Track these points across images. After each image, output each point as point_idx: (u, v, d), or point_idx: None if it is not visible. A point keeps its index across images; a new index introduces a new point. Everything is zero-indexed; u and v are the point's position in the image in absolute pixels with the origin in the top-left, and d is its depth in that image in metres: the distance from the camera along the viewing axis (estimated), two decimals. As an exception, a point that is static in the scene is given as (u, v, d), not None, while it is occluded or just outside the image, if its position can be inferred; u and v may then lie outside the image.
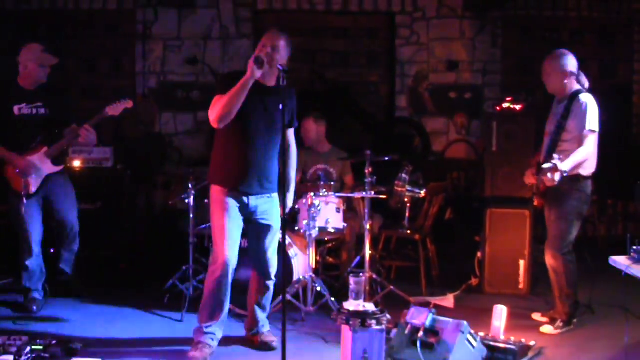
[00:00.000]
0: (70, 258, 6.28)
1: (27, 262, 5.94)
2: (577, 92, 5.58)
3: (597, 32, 9.83)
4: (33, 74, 5.89)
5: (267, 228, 5.06)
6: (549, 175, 5.17)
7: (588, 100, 5.51)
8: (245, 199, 4.91)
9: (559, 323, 5.63)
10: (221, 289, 4.90)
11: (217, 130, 4.89)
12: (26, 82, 5.92)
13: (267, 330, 5.31)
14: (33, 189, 5.88)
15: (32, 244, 5.94)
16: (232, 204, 4.90)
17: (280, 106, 4.59)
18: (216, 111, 4.70)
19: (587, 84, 5.71)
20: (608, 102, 9.54)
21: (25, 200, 5.81)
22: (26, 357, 4.56)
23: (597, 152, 5.61)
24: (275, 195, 5.06)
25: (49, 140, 5.92)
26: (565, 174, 5.24)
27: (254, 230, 5.12)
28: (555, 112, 5.72)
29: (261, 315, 5.27)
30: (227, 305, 5.02)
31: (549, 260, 5.70)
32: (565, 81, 5.62)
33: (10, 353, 4.59)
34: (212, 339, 4.94)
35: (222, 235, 4.87)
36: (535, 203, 5.87)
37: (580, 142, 5.43)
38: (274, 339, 5.20)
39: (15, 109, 5.83)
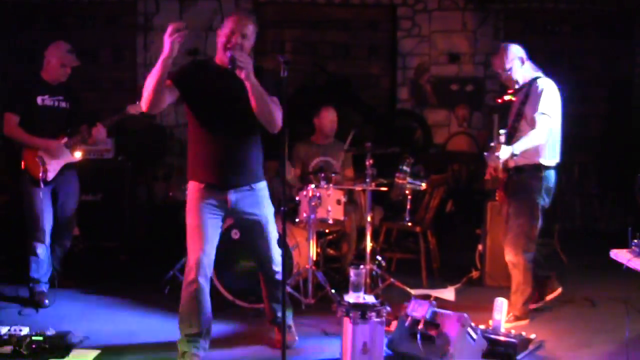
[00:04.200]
0: (61, 254, 6.30)
1: (38, 251, 5.93)
2: (536, 78, 5.48)
3: (598, 25, 9.81)
4: (54, 71, 6.02)
5: (255, 223, 4.74)
6: (496, 153, 5.11)
7: (545, 85, 5.39)
8: (222, 193, 4.60)
9: (510, 317, 5.56)
10: (199, 296, 4.57)
11: (188, 123, 4.66)
12: (48, 76, 6.04)
13: (287, 325, 4.93)
14: (51, 176, 5.95)
15: (45, 232, 5.96)
16: (207, 200, 4.58)
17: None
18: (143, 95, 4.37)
19: (537, 72, 5.57)
20: (609, 94, 9.60)
21: (42, 186, 5.87)
22: (27, 348, 4.57)
23: (562, 140, 5.52)
24: (259, 186, 4.72)
25: (69, 132, 6.03)
26: (515, 157, 5.20)
27: (243, 227, 4.94)
28: (514, 103, 5.60)
29: (276, 307, 5.04)
30: (208, 311, 4.67)
31: (509, 257, 5.54)
32: (510, 72, 5.50)
33: (11, 343, 4.60)
34: (198, 348, 4.63)
35: (193, 235, 4.57)
36: (497, 198, 5.79)
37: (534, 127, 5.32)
38: (294, 340, 5.07)
39: (39, 99, 5.95)
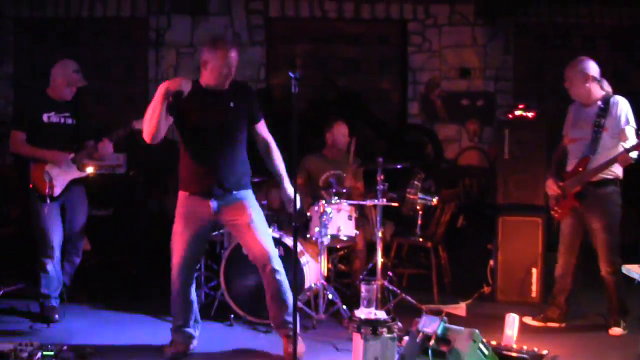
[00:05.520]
0: (71, 270, 6.31)
1: (47, 267, 5.95)
2: (609, 96, 5.69)
3: (609, 38, 9.80)
4: (59, 89, 6.06)
5: (240, 226, 5.00)
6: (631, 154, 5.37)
7: (626, 102, 5.66)
8: (208, 202, 4.93)
9: (622, 323, 5.70)
10: (178, 297, 5.10)
11: (179, 139, 5.05)
12: (54, 93, 6.07)
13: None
14: (57, 192, 5.97)
15: (54, 248, 5.98)
16: (191, 208, 4.97)
17: (232, 104, 4.84)
18: (144, 129, 4.84)
19: (609, 89, 5.74)
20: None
21: (49, 202, 5.89)
22: (38, 363, 4.58)
23: None
24: (243, 194, 5.00)
25: (76, 148, 6.05)
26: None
27: (234, 233, 5.22)
28: (583, 116, 5.75)
29: (282, 313, 5.07)
30: (191, 304, 5.17)
31: (608, 269, 5.64)
32: (588, 85, 5.67)
33: (21, 359, 4.60)
34: (185, 337, 5.13)
35: (176, 240, 5.01)
36: (557, 216, 5.89)
37: (617, 138, 5.58)
38: (303, 351, 5.03)
39: (44, 116, 5.98)
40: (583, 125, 5.70)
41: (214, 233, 6.43)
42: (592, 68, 5.71)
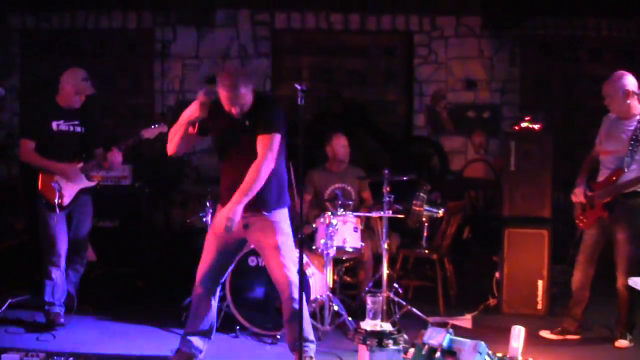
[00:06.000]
0: (75, 278, 6.32)
1: (53, 275, 5.96)
2: None
3: (616, 51, 9.79)
4: (68, 97, 6.09)
5: (265, 249, 4.93)
6: None
7: None
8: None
9: (629, 335, 5.70)
10: (198, 303, 5.09)
11: None
12: (63, 102, 6.10)
13: (310, 357, 5.01)
14: (66, 201, 5.99)
15: (60, 257, 6.00)
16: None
17: (247, 122, 4.83)
18: (168, 143, 5.05)
19: None
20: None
21: (58, 211, 5.90)
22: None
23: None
24: (278, 214, 4.92)
25: (85, 157, 6.08)
26: None
27: (260, 252, 5.19)
28: (620, 129, 5.73)
29: (293, 337, 5.00)
30: (209, 319, 5.13)
31: (627, 283, 5.49)
32: (629, 101, 5.67)
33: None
34: (192, 348, 5.09)
35: (205, 249, 5.08)
36: (582, 225, 5.88)
37: None
38: None
39: (54, 124, 6.00)
40: (619, 138, 5.70)
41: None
42: (631, 83, 5.71)
